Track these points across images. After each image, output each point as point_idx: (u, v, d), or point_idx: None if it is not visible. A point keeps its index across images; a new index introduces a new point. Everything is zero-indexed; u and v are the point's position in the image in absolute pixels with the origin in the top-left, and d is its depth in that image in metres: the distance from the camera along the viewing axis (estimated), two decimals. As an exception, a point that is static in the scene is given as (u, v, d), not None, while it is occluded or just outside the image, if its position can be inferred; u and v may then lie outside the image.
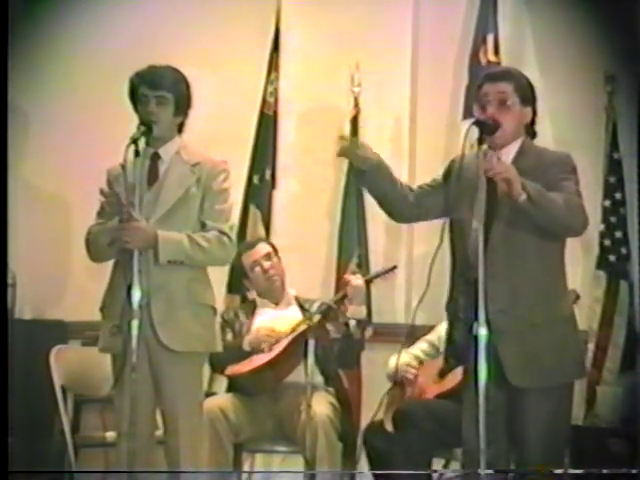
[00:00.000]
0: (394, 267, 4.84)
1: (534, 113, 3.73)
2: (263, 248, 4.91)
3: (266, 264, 4.87)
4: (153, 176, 4.00)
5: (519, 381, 3.55)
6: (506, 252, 3.57)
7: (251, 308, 4.93)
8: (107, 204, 4.05)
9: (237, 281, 5.49)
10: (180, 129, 4.09)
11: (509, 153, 3.66)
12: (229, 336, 4.79)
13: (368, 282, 4.82)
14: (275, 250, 4.94)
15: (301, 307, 4.83)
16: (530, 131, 3.74)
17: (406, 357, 4.72)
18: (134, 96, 4.03)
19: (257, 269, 4.87)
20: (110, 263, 4.04)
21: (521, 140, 3.69)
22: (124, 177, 3.85)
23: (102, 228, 3.99)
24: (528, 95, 3.70)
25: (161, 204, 3.96)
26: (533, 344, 3.56)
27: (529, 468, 3.57)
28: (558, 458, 3.68)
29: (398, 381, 4.72)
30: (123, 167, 3.84)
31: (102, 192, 4.08)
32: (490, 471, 3.43)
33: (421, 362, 4.79)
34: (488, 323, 3.41)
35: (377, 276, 4.87)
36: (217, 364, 4.66)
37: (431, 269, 3.60)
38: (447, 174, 3.80)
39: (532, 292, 3.58)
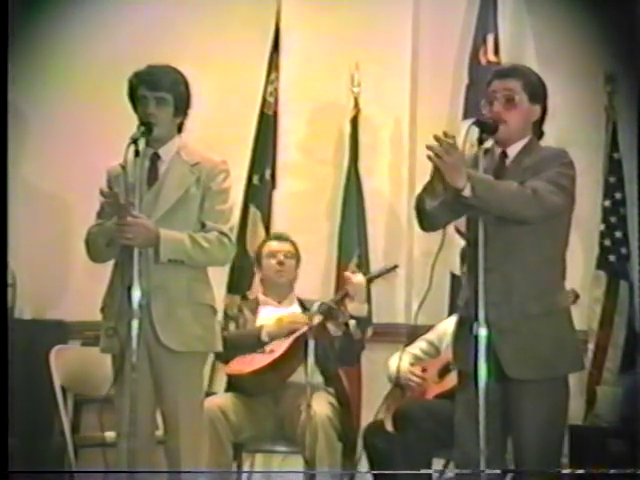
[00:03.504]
0: (395, 266, 4.84)
1: (544, 111, 3.74)
2: (286, 246, 4.93)
3: (281, 257, 4.88)
4: (153, 176, 4.00)
5: (516, 373, 3.55)
6: (501, 245, 3.58)
7: (255, 304, 4.93)
8: (107, 204, 4.04)
9: (237, 281, 5.50)
10: (180, 129, 4.09)
11: (513, 151, 3.68)
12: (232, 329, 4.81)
13: (369, 281, 4.81)
14: (298, 256, 4.95)
15: (303, 307, 4.82)
16: (538, 131, 3.74)
17: (407, 359, 4.72)
18: (133, 96, 4.02)
19: (272, 260, 4.89)
20: (110, 263, 4.04)
21: (527, 139, 3.70)
22: (124, 177, 3.85)
23: (101, 228, 3.98)
24: (537, 92, 3.69)
25: (161, 204, 3.96)
26: (529, 336, 3.56)
27: (526, 466, 3.57)
28: (555, 455, 3.68)
29: (400, 384, 4.71)
30: (123, 167, 3.84)
31: (102, 192, 4.07)
32: (497, 471, 3.43)
33: (420, 361, 4.79)
34: (484, 317, 3.43)
35: (378, 275, 4.86)
36: (226, 353, 4.60)
37: (433, 270, 3.61)
38: None
39: (527, 284, 3.59)
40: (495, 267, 3.53)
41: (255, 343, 4.69)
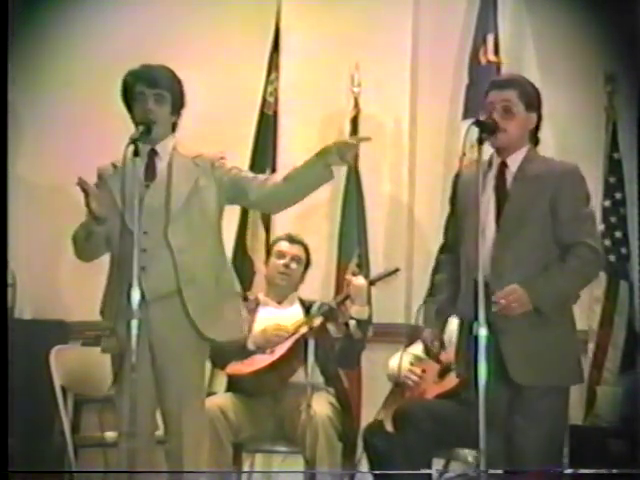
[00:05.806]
0: (397, 269, 4.83)
1: (539, 118, 3.78)
2: (295, 249, 4.91)
3: (287, 260, 4.88)
4: (150, 172, 3.98)
5: (522, 378, 3.57)
6: (513, 252, 3.59)
7: (254, 305, 4.92)
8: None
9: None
10: (174, 128, 4.08)
11: (515, 161, 3.72)
12: None
13: (371, 284, 4.81)
14: (307, 261, 4.94)
15: (304, 307, 4.81)
16: (534, 138, 3.78)
17: (407, 359, 4.72)
18: (128, 95, 3.99)
19: (278, 260, 4.88)
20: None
21: (527, 149, 3.75)
22: (123, 177, 3.82)
23: (82, 223, 3.95)
24: (533, 101, 3.76)
25: (174, 199, 3.94)
26: (535, 342, 3.59)
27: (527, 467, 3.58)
28: (556, 459, 3.69)
29: (400, 383, 4.71)
30: (115, 166, 3.83)
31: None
32: (499, 471, 3.43)
33: (421, 361, 4.79)
34: (489, 322, 3.42)
35: (379, 278, 4.85)
36: (218, 360, 4.64)
37: (434, 272, 3.62)
38: (453, 190, 3.87)
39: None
40: (505, 273, 3.55)
41: (242, 351, 4.68)
